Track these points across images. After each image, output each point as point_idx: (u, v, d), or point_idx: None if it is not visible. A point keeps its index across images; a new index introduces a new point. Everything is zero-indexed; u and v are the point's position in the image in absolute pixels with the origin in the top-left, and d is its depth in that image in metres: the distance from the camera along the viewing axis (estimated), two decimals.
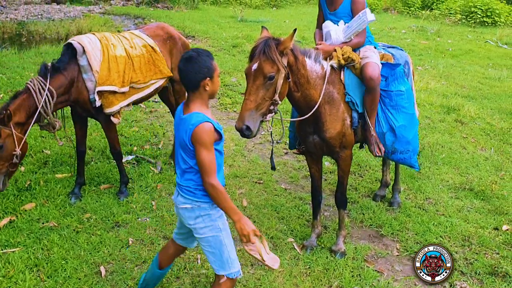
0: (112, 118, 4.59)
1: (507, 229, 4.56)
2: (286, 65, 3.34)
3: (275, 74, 3.26)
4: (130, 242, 4.21)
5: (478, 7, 17.40)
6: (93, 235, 4.29)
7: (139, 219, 4.58)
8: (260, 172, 5.64)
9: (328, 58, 3.86)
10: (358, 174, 5.70)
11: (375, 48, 4.12)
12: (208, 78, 2.75)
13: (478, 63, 11.89)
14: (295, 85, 3.51)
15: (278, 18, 17.45)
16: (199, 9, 18.47)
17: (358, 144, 4.39)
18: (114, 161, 5.12)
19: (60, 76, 4.26)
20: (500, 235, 4.48)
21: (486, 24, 17.15)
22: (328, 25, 4.11)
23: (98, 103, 4.44)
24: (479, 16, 17.28)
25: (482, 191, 5.23)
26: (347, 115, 3.83)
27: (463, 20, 17.53)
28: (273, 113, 3.38)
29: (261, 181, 5.42)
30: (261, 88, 3.25)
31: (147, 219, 4.59)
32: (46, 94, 4.11)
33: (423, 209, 4.91)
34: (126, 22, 14.46)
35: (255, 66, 3.26)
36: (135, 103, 4.91)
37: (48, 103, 4.13)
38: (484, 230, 4.55)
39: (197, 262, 3.95)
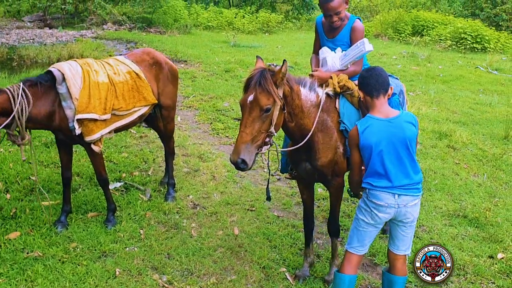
0: (92, 146, 4.49)
1: (502, 258, 4.49)
2: (281, 96, 3.29)
3: (271, 106, 3.21)
4: (117, 273, 4.09)
5: (468, 33, 17.60)
6: (79, 265, 4.17)
7: (127, 248, 4.47)
8: (252, 199, 5.55)
9: (323, 85, 3.81)
10: (351, 200, 5.63)
11: None
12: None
13: (469, 88, 11.95)
14: (290, 115, 3.46)
15: (271, 43, 17.56)
16: (191, 34, 18.56)
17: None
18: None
19: (37, 90, 4.16)
20: (496, 263, 4.41)
21: (476, 50, 17.33)
22: (324, 51, 4.09)
23: (77, 131, 4.33)
24: (469, 42, 17.46)
25: (476, 218, 5.16)
26: (340, 144, 3.77)
27: (453, 46, 17.71)
28: (269, 145, 3.33)
29: (253, 208, 5.33)
30: (257, 120, 3.20)
31: (135, 248, 4.48)
32: (22, 96, 3.99)
33: (417, 237, 4.82)
34: (118, 47, 14.47)
35: (251, 98, 3.21)
36: (118, 130, 4.82)
37: (24, 109, 4.01)
38: (479, 258, 4.47)
39: None
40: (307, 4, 25.77)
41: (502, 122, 8.80)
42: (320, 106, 3.65)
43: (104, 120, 4.45)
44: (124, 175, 5.95)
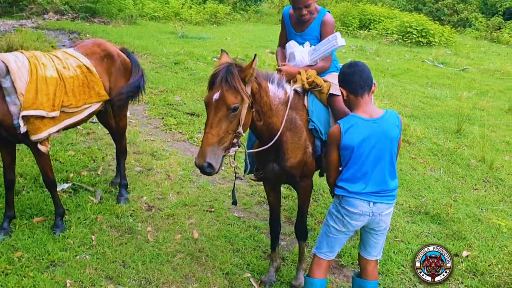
0: (39, 145, 4.11)
1: (468, 255, 4.46)
2: (249, 93, 3.05)
3: (239, 104, 2.96)
4: (68, 285, 3.77)
5: (414, 27, 17.91)
6: (25, 277, 3.82)
7: (78, 256, 4.13)
8: (211, 199, 5.30)
9: (291, 82, 3.60)
10: (313, 198, 5.47)
11: None
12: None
13: (417, 82, 12.11)
14: (258, 114, 3.22)
15: (220, 35, 17.20)
16: (137, 24, 17.90)
17: (318, 172, 4.15)
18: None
19: None
20: (462, 261, 4.37)
21: (422, 44, 17.66)
22: (292, 45, 3.86)
23: (23, 129, 3.95)
24: (414, 36, 17.77)
25: (437, 215, 5.13)
26: (309, 143, 3.58)
27: (400, 40, 17.97)
28: (237, 147, 3.08)
29: (213, 209, 5.08)
30: (223, 121, 2.94)
31: (87, 256, 4.15)
32: None
33: None
34: (60, 37, 13.73)
35: (216, 96, 2.94)
36: (67, 128, 4.46)
37: None
38: None
39: None
40: None
41: (452, 116, 8.93)
42: (289, 104, 3.44)
43: (53, 117, 4.08)
44: (71, 175, 5.55)
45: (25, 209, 4.77)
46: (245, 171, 4.15)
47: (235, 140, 3.07)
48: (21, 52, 4.09)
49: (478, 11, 23.70)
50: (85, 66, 4.38)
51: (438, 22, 20.04)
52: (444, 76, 12.94)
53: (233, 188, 3.59)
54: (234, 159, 3.27)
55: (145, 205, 5.12)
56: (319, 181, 5.81)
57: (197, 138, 7.02)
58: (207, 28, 19.66)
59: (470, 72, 13.60)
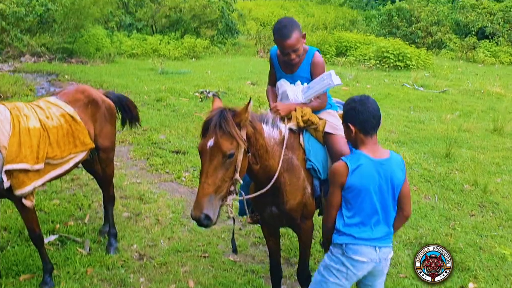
0: (24, 200, 3.92)
1: None
2: (245, 138, 2.92)
3: (235, 150, 2.82)
4: None
5: (390, 52, 18.11)
6: None
7: None
8: (204, 242, 5.10)
9: (285, 120, 3.48)
10: None
11: (335, 111, 3.81)
12: None
13: (399, 106, 12.14)
14: (254, 157, 3.09)
15: (199, 69, 17.18)
16: (116, 63, 17.80)
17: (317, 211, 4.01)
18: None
19: None
20: None
21: (400, 68, 17.83)
22: (283, 84, 3.76)
23: (6, 184, 3.76)
24: (392, 60, 17.95)
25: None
26: (307, 183, 3.45)
27: (377, 65, 18.13)
28: (234, 195, 2.94)
29: (207, 254, 4.89)
30: (219, 168, 2.80)
31: None
32: None
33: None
34: (38, 80, 13.54)
35: (211, 142, 2.81)
36: (52, 180, 4.27)
37: None
38: None
39: None
40: (231, 28, 25.67)
41: (439, 139, 8.90)
42: (284, 143, 3.32)
43: (37, 170, 3.89)
44: (58, 226, 5.31)
45: (11, 266, 4.53)
46: (240, 213, 4.00)
47: (232, 188, 2.93)
48: (3, 104, 3.92)
49: (451, 32, 24.15)
50: (69, 114, 4.22)
51: (413, 45, 20.33)
52: (425, 99, 13.00)
53: (232, 236, 3.43)
54: (232, 208, 3.11)
55: (136, 253, 4.91)
56: (315, 217, 5.66)
57: (184, 178, 6.84)
58: (186, 62, 19.65)
59: (450, 93, 13.70)
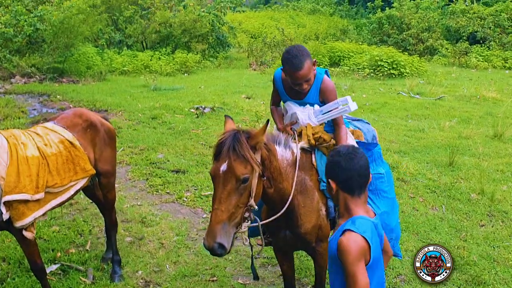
0: (24, 232, 3.77)
1: None
2: (259, 161, 2.78)
3: (249, 175, 2.68)
4: None
5: (384, 60, 18.08)
6: None
7: None
8: (211, 266, 4.95)
9: (296, 138, 3.34)
10: None
11: (347, 128, 3.68)
12: None
13: (397, 115, 12.06)
14: (268, 180, 2.95)
15: (192, 84, 17.06)
16: (108, 81, 17.64)
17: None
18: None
19: None
20: None
21: (394, 76, 17.79)
22: (292, 106, 3.60)
23: (6, 216, 3.62)
24: (386, 69, 17.91)
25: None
26: (322, 205, 3.32)
27: (372, 74, 18.08)
28: (249, 221, 2.80)
29: (215, 278, 4.73)
30: (233, 194, 2.66)
31: None
32: None
33: None
34: (30, 101, 13.33)
35: (224, 167, 2.68)
36: (52, 209, 4.10)
37: None
38: None
39: None
40: (222, 42, 25.63)
41: (440, 148, 8.82)
42: (297, 164, 3.19)
43: (37, 200, 3.74)
44: (59, 254, 5.14)
45: None
46: (250, 235, 3.85)
47: (246, 214, 2.79)
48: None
49: (442, 38, 24.21)
50: (68, 140, 4.07)
51: (406, 53, 20.33)
52: (422, 106, 12.94)
53: (252, 263, 3.28)
54: (248, 236, 2.97)
55: (141, 281, 4.75)
56: None
57: (186, 198, 6.69)
58: (179, 78, 19.54)
59: (447, 100, 13.66)
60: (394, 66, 17.96)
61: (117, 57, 21.33)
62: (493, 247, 5.23)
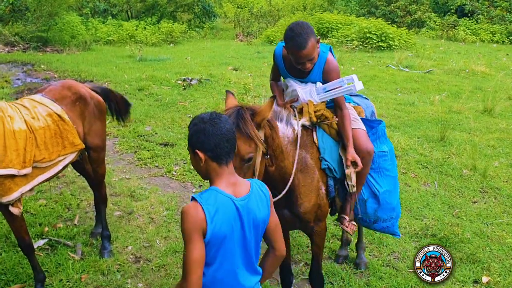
0: (11, 208, 3.62)
1: (488, 281, 4.18)
2: (263, 139, 2.65)
3: (254, 153, 2.56)
4: None
5: (373, 32, 17.93)
6: None
7: None
8: None
9: (297, 115, 3.21)
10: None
11: (349, 103, 3.57)
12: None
13: (386, 88, 11.98)
14: (270, 158, 2.82)
15: (179, 55, 16.77)
16: (92, 50, 17.27)
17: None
18: None
19: None
20: None
21: (382, 49, 17.68)
22: (292, 83, 3.44)
23: None
24: (374, 41, 17.78)
25: (446, 237, 4.85)
26: (322, 184, 3.22)
27: (360, 46, 17.94)
28: None
29: None
30: (237, 173, 2.54)
31: None
32: None
33: (394, 267, 4.41)
34: (14, 70, 12.99)
35: None
36: (39, 184, 3.95)
37: None
38: (466, 286, 4.13)
39: None
40: (208, 11, 25.22)
41: (431, 122, 8.78)
42: (298, 142, 3.07)
43: (24, 175, 3.59)
44: (46, 229, 5.00)
45: None
46: None
47: None
48: None
49: (430, 11, 24.07)
50: (56, 113, 3.89)
51: (394, 25, 20.17)
52: (411, 80, 12.87)
53: None
54: None
55: (131, 256, 4.65)
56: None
57: (175, 172, 6.57)
58: (165, 48, 19.22)
59: (436, 73, 13.61)
60: (383, 38, 17.84)
61: (102, 27, 20.90)
62: (487, 224, 5.22)
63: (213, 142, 2.24)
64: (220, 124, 2.26)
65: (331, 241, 4.90)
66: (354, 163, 3.25)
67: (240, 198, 2.26)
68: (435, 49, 18.07)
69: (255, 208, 2.30)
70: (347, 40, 18.69)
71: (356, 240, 4.51)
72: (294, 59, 3.25)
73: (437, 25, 22.60)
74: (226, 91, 2.93)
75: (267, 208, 2.37)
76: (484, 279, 4.21)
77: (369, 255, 4.63)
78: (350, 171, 3.28)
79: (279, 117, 3.00)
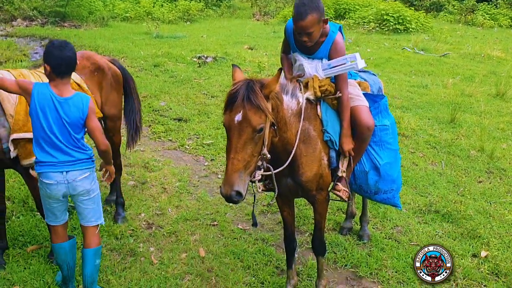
0: (31, 171, 3.82)
1: (487, 255, 4.31)
2: (271, 110, 2.80)
3: (264, 124, 2.70)
4: None
5: (390, 14, 17.82)
6: None
7: (80, 287, 3.84)
8: (212, 211, 5.05)
9: (302, 89, 3.35)
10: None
11: (354, 80, 3.68)
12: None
13: (401, 70, 11.99)
14: (274, 130, 2.97)
15: (195, 33, 16.86)
16: (109, 27, 17.44)
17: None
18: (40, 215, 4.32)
19: None
20: (482, 262, 4.22)
21: (399, 31, 17.58)
22: (300, 57, 3.55)
23: (13, 154, 3.66)
24: (391, 23, 17.68)
25: (448, 213, 4.98)
26: (324, 154, 3.36)
27: (377, 28, 17.85)
28: (262, 170, 2.85)
29: (216, 223, 4.84)
30: (249, 143, 2.69)
31: None
32: None
33: (396, 240, 4.56)
34: (32, 44, 13.24)
35: (238, 117, 2.68)
36: None
37: None
38: (464, 259, 4.27)
39: None
40: None
41: (442, 105, 8.83)
42: (302, 114, 3.21)
43: None
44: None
45: (17, 237, 4.45)
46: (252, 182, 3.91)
47: (259, 163, 2.83)
48: (8, 71, 3.77)
49: None
50: (75, 82, 4.07)
51: (412, 8, 20.01)
52: (426, 63, 12.85)
53: (253, 209, 3.35)
54: (261, 185, 3.03)
55: (144, 223, 4.86)
56: None
57: (188, 146, 6.75)
58: (181, 26, 19.30)
59: (451, 57, 13.55)
60: (400, 21, 17.72)
61: (119, 3, 21.01)
62: (490, 203, 5.33)
63: (56, 62, 3.21)
64: (64, 51, 3.22)
65: (336, 214, 5.06)
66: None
67: (59, 98, 3.25)
68: (452, 33, 17.92)
69: (68, 109, 3.26)
70: (364, 22, 18.60)
71: (361, 213, 4.66)
72: (294, 28, 3.36)
73: (455, 9, 22.33)
74: (233, 65, 3.07)
75: (79, 113, 3.30)
76: (483, 253, 4.33)
77: (373, 228, 4.78)
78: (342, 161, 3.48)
79: (285, 90, 3.13)
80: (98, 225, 3.62)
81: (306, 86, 3.42)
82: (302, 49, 3.54)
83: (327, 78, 3.45)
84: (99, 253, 3.65)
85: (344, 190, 3.56)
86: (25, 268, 4.04)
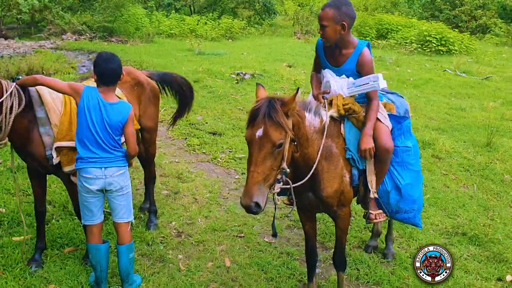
0: (72, 177, 4.06)
1: None
2: (291, 127, 2.95)
3: (284, 140, 2.86)
4: None
5: (433, 36, 17.73)
6: None
7: None
8: (240, 223, 5.19)
9: (326, 107, 3.48)
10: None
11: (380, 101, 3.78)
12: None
13: (440, 92, 11.92)
14: (295, 145, 3.11)
15: (236, 50, 17.22)
16: (154, 43, 18.03)
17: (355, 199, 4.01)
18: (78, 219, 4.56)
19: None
20: (507, 287, 4.19)
21: (442, 53, 17.46)
22: (328, 74, 3.71)
23: (55, 160, 3.91)
24: (434, 44, 17.58)
25: (476, 236, 4.95)
26: (346, 172, 3.46)
27: (419, 49, 17.79)
28: (281, 183, 2.99)
29: (242, 235, 4.98)
30: (268, 158, 2.84)
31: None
32: (14, 93, 3.72)
33: None
34: (80, 58, 13.85)
35: (260, 132, 2.84)
36: None
37: (14, 107, 3.69)
38: (489, 282, 4.25)
39: None
40: (269, 9, 25.58)
41: (480, 128, 8.73)
42: (325, 131, 3.33)
43: None
44: None
45: (56, 239, 4.70)
46: (278, 194, 4.03)
47: (279, 176, 2.98)
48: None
49: (497, 17, 23.41)
50: (116, 95, 4.32)
51: (456, 30, 19.82)
52: (467, 85, 12.73)
53: (273, 221, 3.47)
54: (279, 198, 3.17)
55: (174, 231, 5.04)
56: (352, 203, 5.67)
57: (220, 159, 6.94)
58: (223, 43, 19.72)
59: (493, 80, 13.36)
60: (443, 42, 17.61)
61: (165, 20, 21.64)
62: None
63: (99, 71, 3.60)
64: (109, 62, 3.60)
65: (362, 232, 5.11)
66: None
67: (104, 100, 3.58)
68: (497, 55, 17.64)
69: (112, 114, 3.59)
70: (405, 42, 18.55)
71: (386, 232, 4.71)
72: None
73: (502, 31, 21.97)
74: (257, 83, 3.24)
75: (119, 118, 3.62)
76: (508, 277, 4.30)
77: (398, 247, 4.81)
78: (371, 177, 3.56)
79: (308, 108, 3.27)
80: (129, 222, 3.89)
81: (330, 104, 3.55)
82: (331, 61, 3.70)
83: (351, 96, 3.57)
84: (132, 248, 3.93)
85: (377, 214, 3.68)
86: (61, 268, 4.26)
